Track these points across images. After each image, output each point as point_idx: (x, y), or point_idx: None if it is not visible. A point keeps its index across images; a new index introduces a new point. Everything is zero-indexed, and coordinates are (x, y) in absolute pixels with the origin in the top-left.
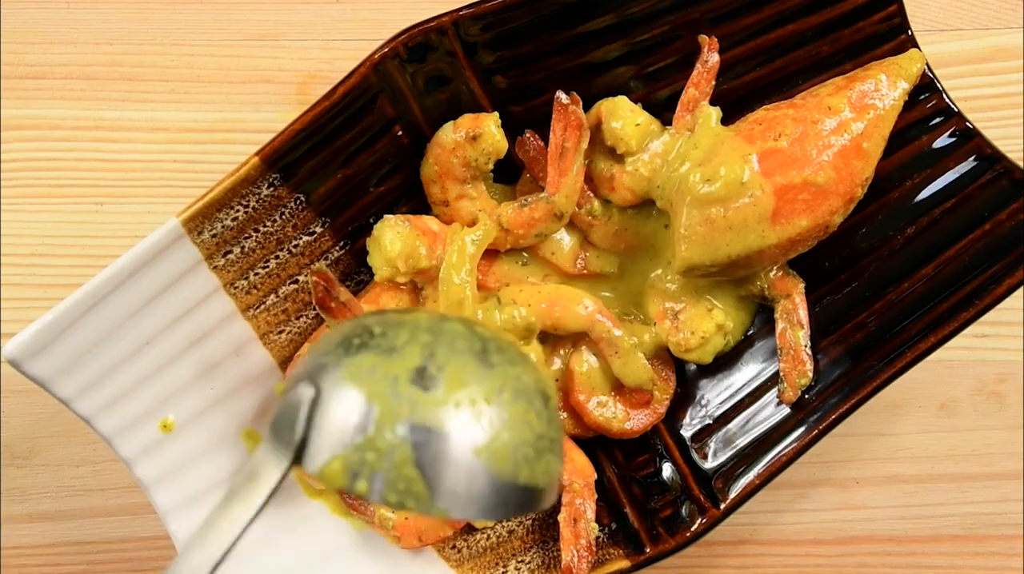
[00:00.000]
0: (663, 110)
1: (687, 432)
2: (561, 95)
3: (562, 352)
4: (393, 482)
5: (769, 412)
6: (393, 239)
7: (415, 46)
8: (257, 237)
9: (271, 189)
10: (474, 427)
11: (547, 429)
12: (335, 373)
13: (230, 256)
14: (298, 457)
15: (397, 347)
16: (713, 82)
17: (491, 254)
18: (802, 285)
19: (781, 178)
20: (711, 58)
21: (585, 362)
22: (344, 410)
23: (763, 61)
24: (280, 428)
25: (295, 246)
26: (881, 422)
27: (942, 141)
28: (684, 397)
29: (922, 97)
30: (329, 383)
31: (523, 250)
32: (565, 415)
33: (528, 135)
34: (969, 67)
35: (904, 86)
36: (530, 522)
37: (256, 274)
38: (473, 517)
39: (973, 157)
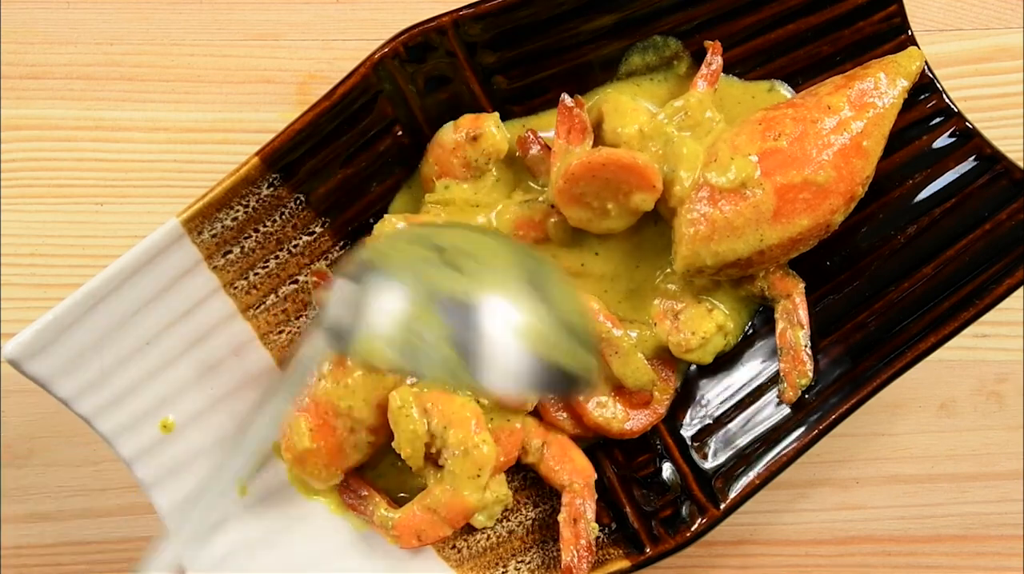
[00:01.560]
0: None
1: (687, 432)
2: (566, 98)
3: None
4: (433, 360)
5: (769, 412)
6: None
7: (415, 46)
8: (257, 237)
9: (271, 189)
10: (509, 309)
11: (584, 333)
12: (375, 270)
13: (230, 256)
14: (345, 346)
15: (442, 245)
16: (716, 84)
17: None
18: (802, 285)
19: (781, 178)
20: (715, 61)
21: None
22: (383, 299)
23: (763, 61)
24: (327, 322)
25: (295, 246)
26: (881, 422)
27: (942, 141)
28: (684, 397)
29: (922, 97)
30: (368, 278)
31: None
32: (565, 415)
33: (528, 135)
34: (969, 67)
35: (903, 84)
36: (530, 522)
37: (256, 274)
38: (508, 392)
39: (973, 157)
